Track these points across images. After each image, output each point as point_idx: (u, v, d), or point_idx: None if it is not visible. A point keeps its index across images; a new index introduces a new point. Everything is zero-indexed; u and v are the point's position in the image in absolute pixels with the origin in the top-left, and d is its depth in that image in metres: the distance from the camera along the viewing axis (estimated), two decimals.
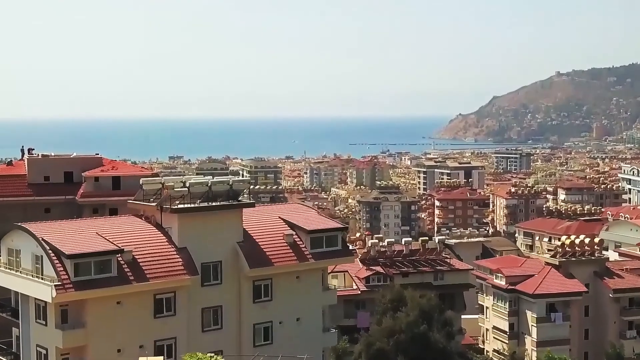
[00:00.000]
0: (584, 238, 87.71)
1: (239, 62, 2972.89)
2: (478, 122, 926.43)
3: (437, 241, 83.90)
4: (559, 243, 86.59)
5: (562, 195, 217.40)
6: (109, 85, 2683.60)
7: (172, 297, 46.40)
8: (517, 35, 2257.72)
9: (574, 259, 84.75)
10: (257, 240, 50.01)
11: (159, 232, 47.87)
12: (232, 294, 48.93)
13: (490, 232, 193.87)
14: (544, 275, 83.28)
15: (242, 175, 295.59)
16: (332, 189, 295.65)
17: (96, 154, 75.43)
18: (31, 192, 69.18)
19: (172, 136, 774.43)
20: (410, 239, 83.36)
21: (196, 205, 48.40)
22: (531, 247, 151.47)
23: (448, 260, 79.01)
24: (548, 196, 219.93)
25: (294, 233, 51.43)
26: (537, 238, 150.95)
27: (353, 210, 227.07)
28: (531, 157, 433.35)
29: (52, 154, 75.81)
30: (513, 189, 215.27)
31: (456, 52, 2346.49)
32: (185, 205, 48.06)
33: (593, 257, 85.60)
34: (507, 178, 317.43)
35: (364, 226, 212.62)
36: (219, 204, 49.14)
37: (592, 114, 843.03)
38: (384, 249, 78.73)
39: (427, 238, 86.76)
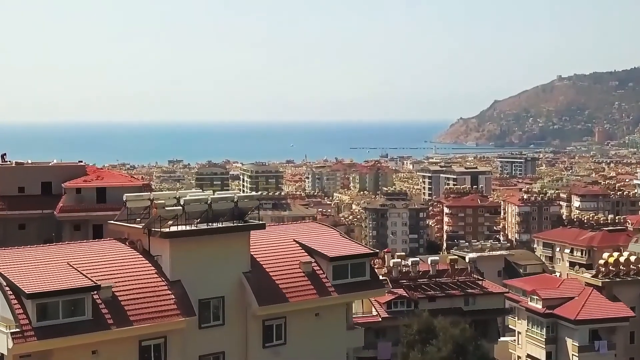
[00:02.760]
0: (629, 255, 78.58)
1: (235, 65, 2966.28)
2: (479, 126, 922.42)
3: (467, 260, 74.27)
4: (602, 262, 77.22)
5: (576, 202, 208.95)
6: (108, 88, 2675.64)
7: (162, 344, 36.96)
8: (519, 39, 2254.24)
9: (618, 279, 75.68)
10: (267, 270, 40.49)
11: (146, 262, 38.38)
12: (237, 337, 39.47)
13: (502, 241, 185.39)
14: (585, 297, 74.24)
15: (243, 180, 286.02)
16: (334, 194, 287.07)
17: (79, 162, 66.23)
18: (3, 206, 61.20)
19: (169, 139, 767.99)
20: (437, 257, 73.71)
21: (193, 227, 38.86)
22: (551, 259, 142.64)
23: (480, 282, 69.46)
24: (561, 203, 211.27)
25: (312, 260, 41.92)
26: (557, 249, 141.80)
27: (358, 217, 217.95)
28: (536, 162, 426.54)
29: (29, 161, 66.76)
30: (525, 196, 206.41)
31: (457, 55, 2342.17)
32: (179, 228, 38.51)
33: (639, 277, 76.41)
34: (513, 183, 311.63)
35: (370, 234, 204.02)
36: (221, 225, 39.59)
37: (593, 118, 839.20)
38: (406, 269, 69.30)
39: (455, 257, 77.08)
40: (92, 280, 35.70)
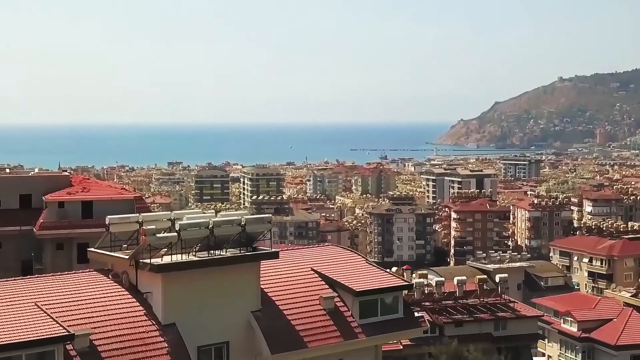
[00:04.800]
0: None
1: (234, 66, 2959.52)
2: (480, 128, 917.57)
3: (498, 280, 67.00)
4: None
5: (588, 207, 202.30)
6: (106, 90, 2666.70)
7: None
8: (520, 41, 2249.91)
9: None
10: (281, 309, 33.30)
11: (133, 300, 31.17)
12: None
13: (511, 247, 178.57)
14: (624, 320, 67.27)
15: (244, 183, 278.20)
16: (336, 197, 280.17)
17: (63, 171, 59.07)
18: None
19: (169, 141, 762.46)
20: (464, 277, 66.35)
21: (191, 258, 31.66)
22: (568, 268, 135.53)
23: (512, 305, 62.22)
24: (573, 208, 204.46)
25: (335, 295, 34.72)
26: (575, 258, 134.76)
27: (362, 222, 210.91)
28: (540, 164, 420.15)
29: (7, 170, 59.64)
30: (536, 200, 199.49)
31: (457, 57, 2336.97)
32: (174, 259, 31.33)
33: None
34: (517, 186, 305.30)
35: (375, 240, 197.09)
36: (225, 254, 32.39)
37: (595, 119, 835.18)
38: (429, 290, 62.10)
39: (484, 276, 69.88)
40: (65, 328, 28.44)
